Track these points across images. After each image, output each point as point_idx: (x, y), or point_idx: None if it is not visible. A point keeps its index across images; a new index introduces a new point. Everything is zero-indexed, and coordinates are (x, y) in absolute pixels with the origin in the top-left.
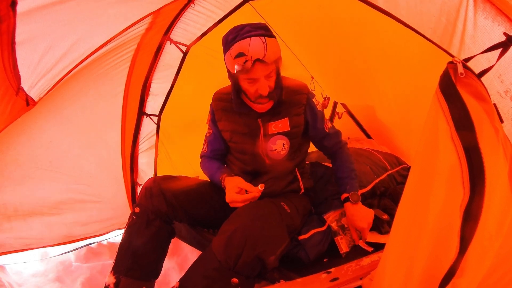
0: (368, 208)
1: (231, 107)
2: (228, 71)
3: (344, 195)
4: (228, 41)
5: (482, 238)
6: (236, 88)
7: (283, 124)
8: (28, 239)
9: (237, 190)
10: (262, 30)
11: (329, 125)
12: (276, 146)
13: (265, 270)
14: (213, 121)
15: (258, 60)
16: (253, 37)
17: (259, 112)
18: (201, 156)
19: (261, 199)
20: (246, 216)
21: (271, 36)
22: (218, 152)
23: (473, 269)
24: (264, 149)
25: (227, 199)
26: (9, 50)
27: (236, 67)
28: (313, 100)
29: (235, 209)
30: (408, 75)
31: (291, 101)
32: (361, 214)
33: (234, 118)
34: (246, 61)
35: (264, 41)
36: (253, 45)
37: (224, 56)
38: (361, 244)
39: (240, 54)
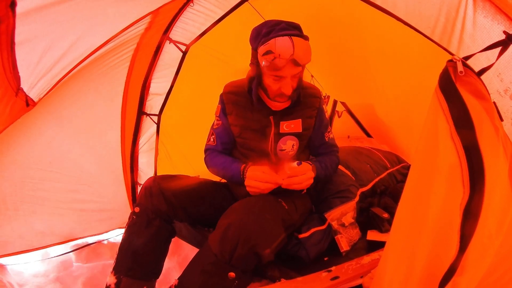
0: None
1: (242, 101)
2: (253, 64)
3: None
4: (262, 35)
5: (482, 236)
6: (258, 82)
7: (296, 125)
8: (29, 240)
9: (262, 175)
10: (297, 30)
11: (331, 136)
12: (286, 146)
13: (261, 265)
14: (224, 113)
15: (291, 60)
16: (289, 36)
17: (272, 110)
18: (208, 150)
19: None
20: (241, 210)
21: (306, 37)
22: (228, 146)
23: (473, 268)
24: (273, 148)
25: (250, 182)
26: (8, 50)
27: (265, 62)
28: (324, 106)
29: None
30: (407, 74)
31: (305, 103)
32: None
33: (246, 113)
34: (275, 58)
35: (298, 42)
36: (289, 45)
37: (254, 47)
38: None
39: (271, 51)
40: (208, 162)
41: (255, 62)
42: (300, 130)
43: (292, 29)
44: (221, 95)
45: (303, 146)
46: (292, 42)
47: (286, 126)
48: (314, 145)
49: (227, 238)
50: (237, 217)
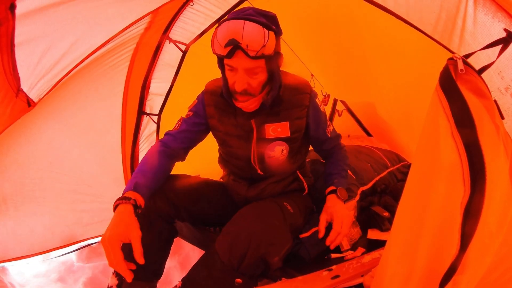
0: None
1: (224, 103)
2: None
3: (331, 188)
4: (226, 18)
5: (483, 235)
6: (224, 78)
7: (283, 129)
8: (30, 244)
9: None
10: (264, 19)
11: (331, 128)
12: (274, 152)
13: (268, 270)
14: (200, 112)
15: (237, 47)
16: (248, 21)
17: (252, 112)
18: (165, 134)
19: (263, 200)
20: (250, 217)
21: (270, 29)
22: (182, 136)
23: (474, 266)
24: (258, 155)
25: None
26: (8, 52)
27: (219, 46)
28: (316, 100)
29: (237, 208)
30: (408, 72)
31: (291, 101)
32: (341, 209)
33: (228, 118)
34: (227, 44)
35: (258, 30)
36: (243, 29)
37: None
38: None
39: (224, 34)
40: (148, 151)
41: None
42: (289, 134)
43: (257, 16)
44: (202, 93)
45: (296, 148)
46: (238, 26)
47: (272, 130)
48: (317, 144)
49: (236, 246)
50: (246, 225)
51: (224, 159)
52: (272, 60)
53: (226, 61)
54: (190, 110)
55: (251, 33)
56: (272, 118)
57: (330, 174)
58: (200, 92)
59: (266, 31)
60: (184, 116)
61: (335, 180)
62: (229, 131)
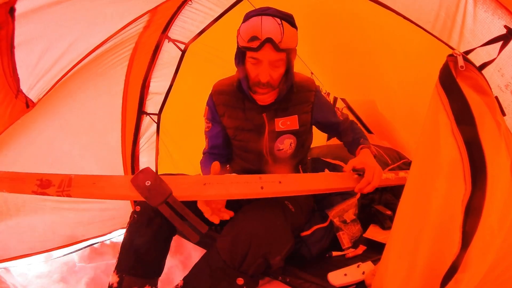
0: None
1: (233, 100)
2: (237, 49)
3: (361, 146)
4: (248, 16)
5: (484, 233)
6: (243, 71)
7: (292, 122)
8: (32, 242)
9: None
10: (287, 17)
11: (339, 113)
12: (283, 145)
13: (269, 269)
14: (214, 116)
15: (268, 40)
16: (273, 17)
17: (263, 106)
18: (203, 153)
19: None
20: (251, 217)
21: (293, 25)
22: (216, 151)
23: (476, 264)
24: (269, 147)
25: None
26: (8, 55)
27: (244, 41)
28: (321, 94)
29: (238, 207)
30: (409, 69)
31: (299, 98)
32: (374, 162)
33: (237, 113)
34: (256, 38)
35: (282, 25)
36: (269, 25)
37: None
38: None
39: (253, 30)
40: (200, 164)
41: (237, 47)
42: (297, 127)
43: (280, 14)
44: (210, 96)
45: (302, 142)
46: (265, 21)
47: (281, 123)
48: (334, 129)
49: (238, 245)
50: (247, 225)
51: (235, 153)
52: (291, 54)
53: (251, 54)
54: (206, 120)
55: (277, 29)
56: (281, 113)
57: (354, 139)
58: (208, 97)
59: (291, 28)
60: (205, 129)
61: (361, 140)
62: (240, 125)
